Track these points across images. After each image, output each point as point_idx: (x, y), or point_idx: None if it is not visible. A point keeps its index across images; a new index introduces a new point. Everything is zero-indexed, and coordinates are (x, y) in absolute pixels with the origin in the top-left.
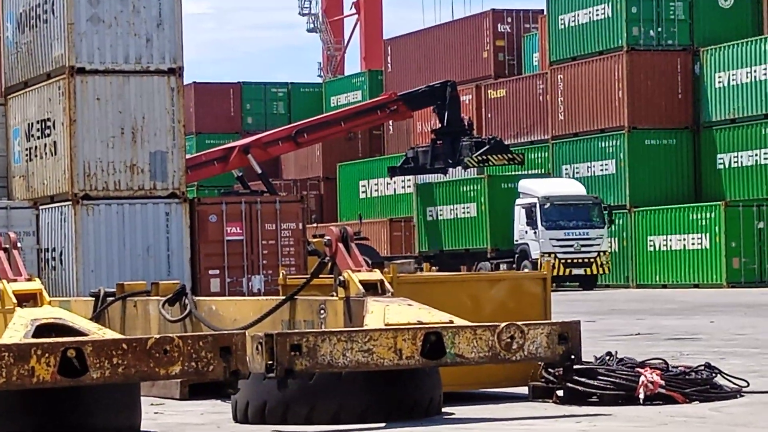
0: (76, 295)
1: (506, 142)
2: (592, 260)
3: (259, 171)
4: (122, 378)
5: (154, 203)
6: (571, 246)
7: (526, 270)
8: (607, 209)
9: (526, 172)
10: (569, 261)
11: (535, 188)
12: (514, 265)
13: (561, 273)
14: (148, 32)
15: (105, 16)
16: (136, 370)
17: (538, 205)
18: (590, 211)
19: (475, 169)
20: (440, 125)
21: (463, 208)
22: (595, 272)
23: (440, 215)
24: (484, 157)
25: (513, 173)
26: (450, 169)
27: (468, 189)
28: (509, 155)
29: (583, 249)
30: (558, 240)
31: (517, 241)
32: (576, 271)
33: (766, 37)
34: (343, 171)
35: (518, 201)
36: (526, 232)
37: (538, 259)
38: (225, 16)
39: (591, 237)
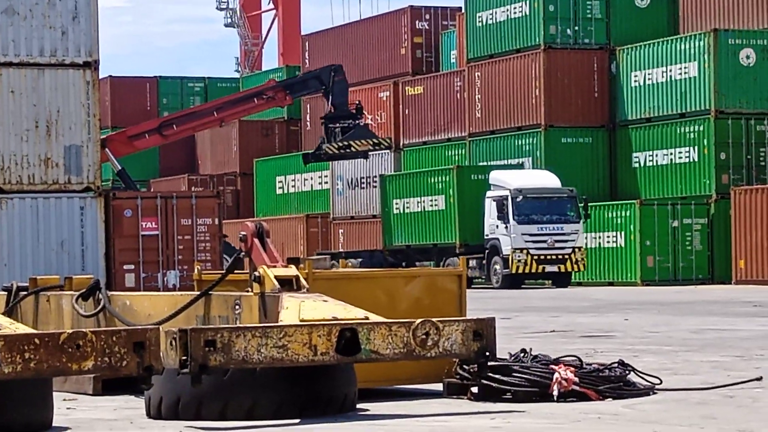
0: None
1: (423, 139)
2: (566, 257)
3: (119, 167)
4: (34, 373)
5: (69, 197)
6: (545, 241)
7: (497, 266)
8: (583, 203)
9: (513, 161)
10: (542, 257)
11: (506, 180)
12: (485, 261)
13: (533, 270)
14: (64, 25)
15: (20, 8)
16: (48, 365)
17: (509, 198)
18: (565, 205)
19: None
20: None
21: (431, 200)
22: (569, 269)
23: (407, 208)
24: (346, 143)
25: (484, 164)
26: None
27: (436, 180)
28: (374, 140)
29: (557, 245)
30: (530, 235)
31: (487, 235)
32: (549, 268)
33: (682, 37)
34: (260, 166)
35: (489, 193)
36: (497, 226)
37: (509, 255)
38: (142, 10)
39: (565, 232)
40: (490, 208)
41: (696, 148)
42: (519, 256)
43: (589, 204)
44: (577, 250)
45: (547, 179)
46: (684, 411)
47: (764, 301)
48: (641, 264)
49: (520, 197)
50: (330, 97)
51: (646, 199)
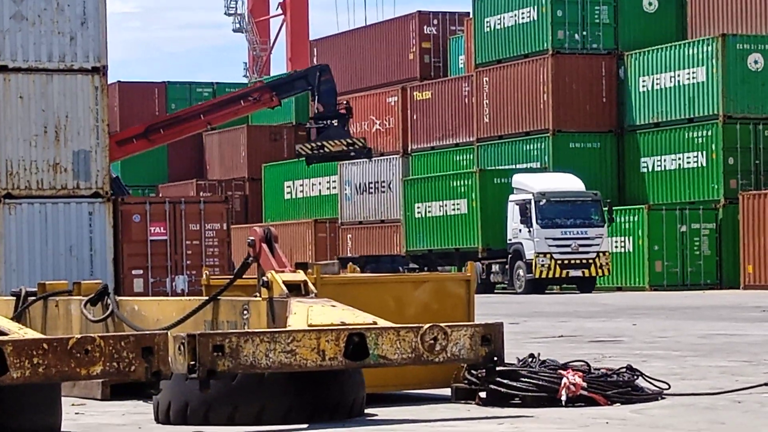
0: None
1: (432, 144)
2: (590, 261)
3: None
4: (43, 378)
5: (77, 203)
6: (569, 246)
7: (520, 271)
8: (607, 206)
9: (521, 166)
10: (566, 262)
11: (529, 183)
12: (507, 266)
13: (557, 275)
14: (72, 30)
15: (29, 14)
16: (56, 370)
17: (532, 202)
18: (589, 209)
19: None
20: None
21: (453, 204)
22: (593, 274)
23: (429, 212)
24: (319, 143)
25: (506, 167)
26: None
27: (458, 184)
28: (348, 140)
29: (581, 249)
30: (554, 239)
31: (510, 240)
32: (573, 273)
33: (690, 42)
34: (268, 172)
35: (512, 197)
36: (520, 230)
37: (532, 259)
38: (150, 16)
39: (589, 236)
40: (513, 212)
41: (704, 153)
42: (542, 261)
43: None
44: (601, 254)
45: (570, 182)
46: (692, 416)
47: None
48: (649, 269)
49: (544, 201)
50: (317, 98)
51: (654, 204)
